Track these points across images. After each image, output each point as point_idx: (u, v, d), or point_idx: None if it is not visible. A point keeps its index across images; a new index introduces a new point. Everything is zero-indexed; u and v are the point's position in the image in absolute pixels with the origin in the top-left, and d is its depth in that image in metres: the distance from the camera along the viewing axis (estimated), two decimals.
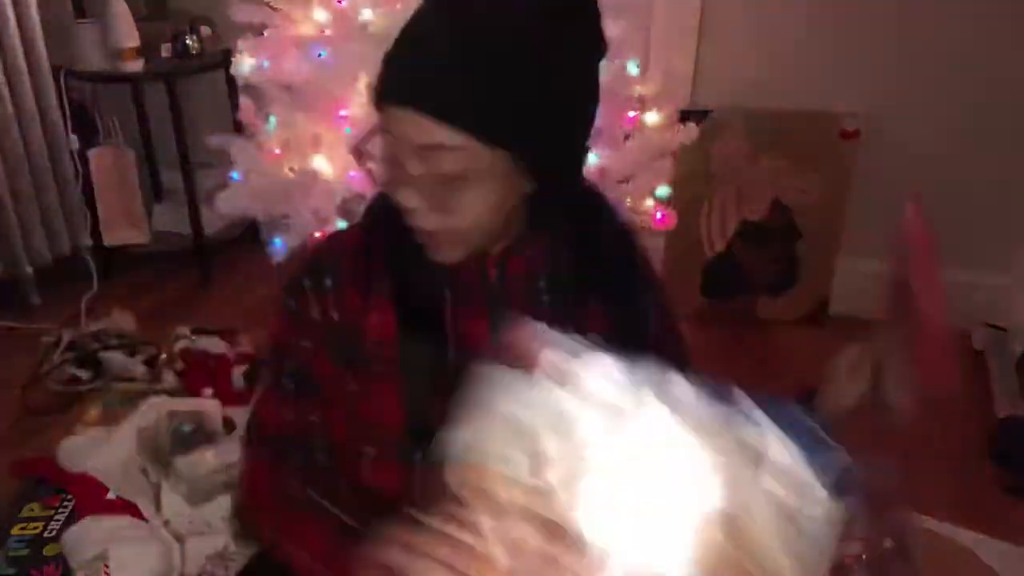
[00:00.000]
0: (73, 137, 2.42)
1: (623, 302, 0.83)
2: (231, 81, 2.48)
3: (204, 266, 2.56)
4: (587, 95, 0.73)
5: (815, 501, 0.47)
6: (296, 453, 0.81)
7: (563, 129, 0.72)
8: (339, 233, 0.86)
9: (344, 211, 1.64)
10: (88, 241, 2.51)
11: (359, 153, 0.73)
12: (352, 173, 1.56)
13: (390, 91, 0.67)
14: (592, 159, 1.68)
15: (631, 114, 1.80)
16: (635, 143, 1.73)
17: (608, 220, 0.85)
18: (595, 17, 0.71)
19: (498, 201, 0.71)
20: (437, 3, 0.68)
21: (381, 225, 0.79)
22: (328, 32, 1.62)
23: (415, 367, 0.77)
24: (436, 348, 0.77)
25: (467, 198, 0.69)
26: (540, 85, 0.68)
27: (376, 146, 0.72)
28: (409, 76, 0.66)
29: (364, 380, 0.79)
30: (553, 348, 0.50)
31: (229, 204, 1.70)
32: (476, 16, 0.66)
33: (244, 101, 1.79)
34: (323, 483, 0.79)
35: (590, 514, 0.45)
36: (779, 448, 0.47)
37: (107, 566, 1.32)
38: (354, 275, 0.79)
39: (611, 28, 1.70)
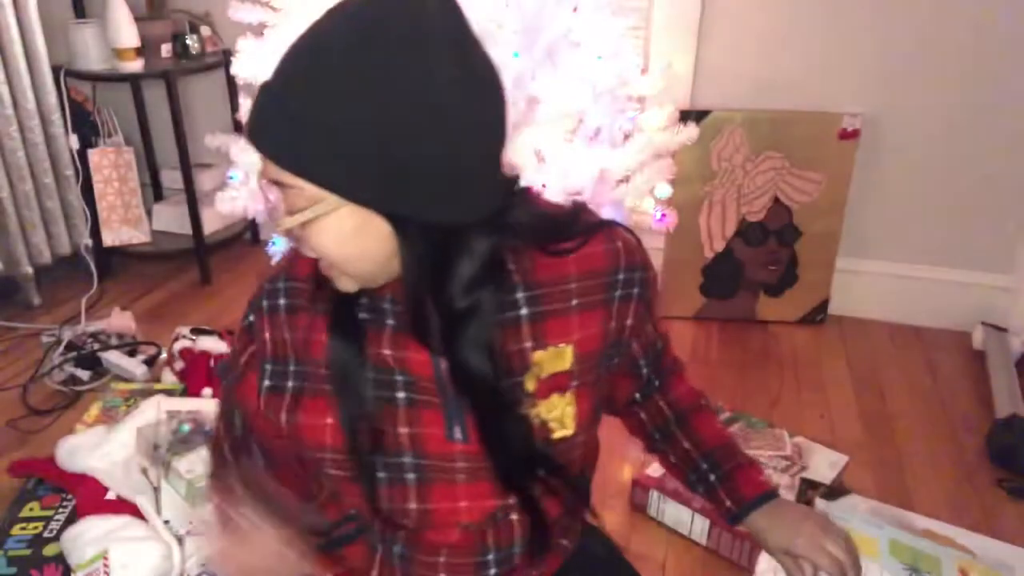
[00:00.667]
0: (73, 137, 2.42)
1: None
2: (231, 81, 2.49)
3: (204, 266, 2.56)
4: (467, 143, 0.64)
5: None
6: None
7: (419, 180, 0.63)
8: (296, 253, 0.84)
9: None
10: (88, 241, 2.52)
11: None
12: None
13: (249, 130, 0.66)
14: (592, 159, 1.68)
15: (631, 114, 1.80)
16: (635, 143, 1.73)
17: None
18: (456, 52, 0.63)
19: (361, 244, 0.67)
20: (300, 40, 0.64)
21: None
22: None
23: (345, 387, 0.77)
24: (362, 369, 0.76)
25: (319, 237, 0.67)
26: (396, 124, 0.61)
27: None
28: (256, 114, 0.65)
29: (305, 400, 0.80)
30: None
31: (229, 204, 1.70)
32: (311, 52, 0.62)
33: (244, 101, 1.79)
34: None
35: None
36: None
37: (107, 566, 1.32)
38: (304, 294, 0.79)
39: (611, 28, 1.71)
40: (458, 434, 0.76)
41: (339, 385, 0.76)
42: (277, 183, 0.66)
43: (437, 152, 0.62)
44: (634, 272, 0.80)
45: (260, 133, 0.65)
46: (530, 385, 0.76)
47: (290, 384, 0.79)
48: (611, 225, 0.82)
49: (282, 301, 0.79)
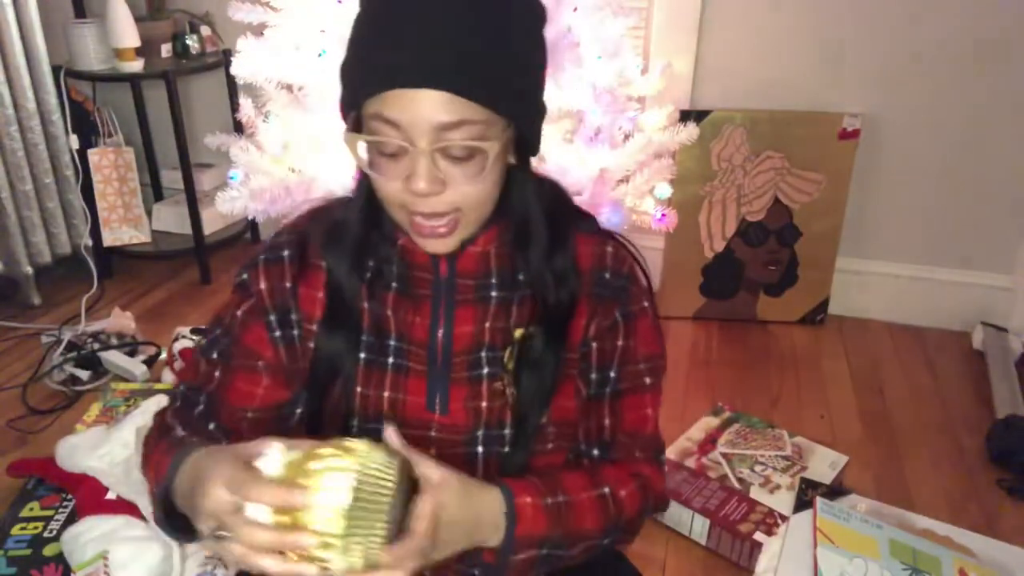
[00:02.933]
0: (73, 137, 2.42)
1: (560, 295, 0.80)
2: (231, 81, 2.49)
3: (204, 266, 2.56)
4: (545, 62, 0.75)
5: None
6: (189, 402, 0.83)
7: (541, 96, 0.74)
8: (306, 213, 0.86)
9: None
10: (88, 241, 2.51)
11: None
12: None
13: (403, 74, 0.65)
14: (592, 159, 1.69)
15: (631, 114, 1.80)
16: (635, 143, 1.73)
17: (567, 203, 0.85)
18: None
19: (499, 179, 0.73)
20: None
21: (357, 211, 0.79)
22: (328, 32, 1.62)
23: (331, 349, 0.79)
24: (353, 336, 0.79)
25: (478, 176, 0.69)
26: (532, 50, 0.71)
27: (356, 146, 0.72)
28: (425, 56, 0.65)
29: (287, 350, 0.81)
30: None
31: (229, 204, 1.70)
32: None
33: (244, 101, 1.79)
34: (200, 431, 0.81)
35: None
36: None
37: (107, 566, 1.32)
38: (303, 252, 0.81)
39: (611, 28, 1.71)
40: (437, 405, 0.79)
41: (324, 368, 0.79)
42: (446, 127, 0.66)
43: (541, 75, 0.74)
44: (620, 279, 0.81)
45: (447, 73, 0.65)
46: (509, 363, 0.79)
47: (295, 333, 0.81)
48: (610, 234, 0.84)
49: (285, 252, 0.81)
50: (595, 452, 0.84)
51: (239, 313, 0.82)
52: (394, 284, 0.79)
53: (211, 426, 0.82)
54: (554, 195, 0.83)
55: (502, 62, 0.68)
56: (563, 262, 0.79)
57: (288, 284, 0.80)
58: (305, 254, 0.81)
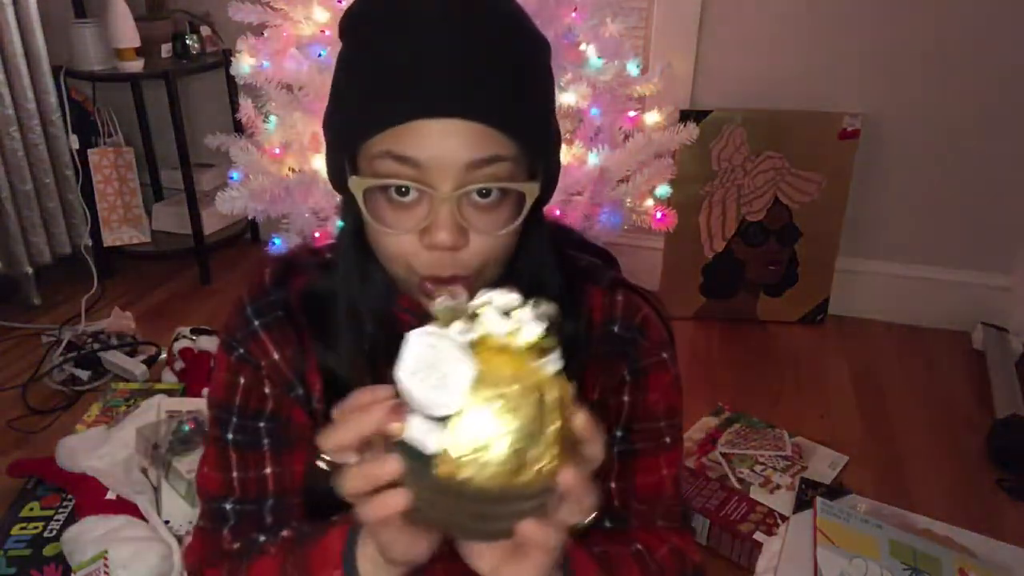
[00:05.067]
0: (73, 137, 2.42)
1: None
2: (231, 81, 2.49)
3: (204, 266, 2.56)
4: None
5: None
6: (235, 515, 0.74)
7: (558, 139, 0.68)
8: (284, 274, 0.75)
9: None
10: (88, 241, 2.51)
11: None
12: None
13: (432, 102, 0.56)
14: (592, 159, 1.68)
15: (631, 114, 1.80)
16: (635, 143, 1.72)
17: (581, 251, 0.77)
18: None
19: (519, 226, 0.62)
20: (448, 14, 0.59)
21: (344, 282, 0.69)
22: (328, 32, 1.62)
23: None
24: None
25: (506, 226, 0.60)
26: (552, 87, 0.65)
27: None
28: (457, 86, 0.57)
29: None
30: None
31: (229, 204, 1.70)
32: (500, 17, 0.61)
33: (244, 101, 1.79)
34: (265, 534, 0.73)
35: None
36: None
37: (107, 566, 1.32)
38: (293, 326, 0.72)
39: (611, 28, 1.70)
40: None
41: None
42: (477, 164, 0.57)
43: (555, 120, 0.67)
44: (630, 331, 0.73)
45: (481, 102, 0.57)
46: None
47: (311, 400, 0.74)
48: (621, 282, 0.76)
49: (280, 313, 0.72)
50: (607, 524, 0.75)
51: (267, 391, 0.72)
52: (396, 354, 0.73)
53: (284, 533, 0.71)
54: (566, 243, 0.76)
55: (536, 92, 0.62)
56: (574, 327, 0.70)
57: (290, 353, 0.72)
58: (293, 321, 0.72)
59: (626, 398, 0.73)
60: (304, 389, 0.72)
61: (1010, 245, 2.21)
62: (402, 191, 0.59)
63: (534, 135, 0.61)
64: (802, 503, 1.49)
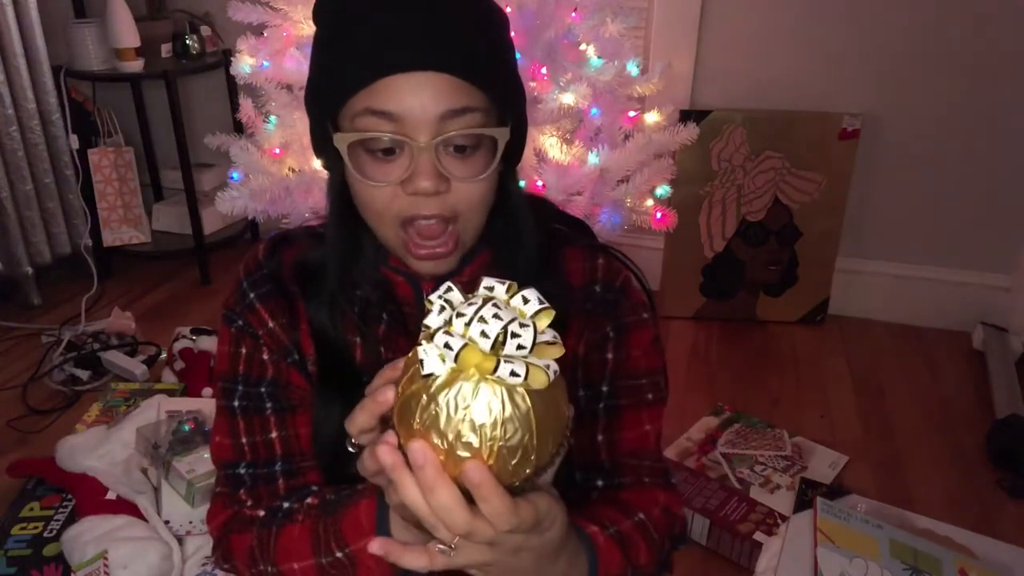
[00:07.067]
0: (73, 137, 2.42)
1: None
2: (231, 81, 2.49)
3: (204, 266, 2.56)
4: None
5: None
6: (250, 478, 0.76)
7: (523, 93, 0.72)
8: (276, 244, 0.79)
9: None
10: (88, 241, 2.51)
11: None
12: None
13: (402, 58, 0.61)
14: (592, 159, 1.69)
15: (631, 114, 1.80)
16: (635, 143, 1.73)
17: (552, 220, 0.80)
18: None
19: (495, 182, 0.68)
20: None
21: (335, 249, 0.73)
22: None
23: (330, 392, 0.74)
24: (352, 376, 0.73)
25: (482, 172, 0.65)
26: (511, 51, 0.70)
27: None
28: (427, 42, 0.61)
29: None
30: None
31: (229, 204, 1.71)
32: None
33: (244, 101, 1.79)
34: (286, 496, 0.75)
35: None
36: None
37: (107, 566, 1.32)
38: (285, 291, 0.76)
39: (611, 28, 1.71)
40: None
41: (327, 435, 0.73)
42: (449, 115, 0.62)
43: (519, 77, 0.71)
44: (612, 292, 0.76)
45: (451, 55, 0.62)
46: None
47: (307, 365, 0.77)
48: (602, 247, 0.79)
49: (270, 287, 0.76)
50: (599, 483, 0.76)
51: (265, 357, 0.76)
52: (384, 316, 0.75)
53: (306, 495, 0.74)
54: (542, 211, 0.79)
55: (499, 49, 0.67)
56: (553, 287, 0.70)
57: (284, 321, 0.76)
58: (285, 291, 0.76)
59: (610, 355, 0.76)
60: (299, 354, 0.76)
61: (1010, 245, 2.21)
62: (385, 152, 0.64)
63: (501, 86, 0.66)
64: (802, 503, 1.49)
